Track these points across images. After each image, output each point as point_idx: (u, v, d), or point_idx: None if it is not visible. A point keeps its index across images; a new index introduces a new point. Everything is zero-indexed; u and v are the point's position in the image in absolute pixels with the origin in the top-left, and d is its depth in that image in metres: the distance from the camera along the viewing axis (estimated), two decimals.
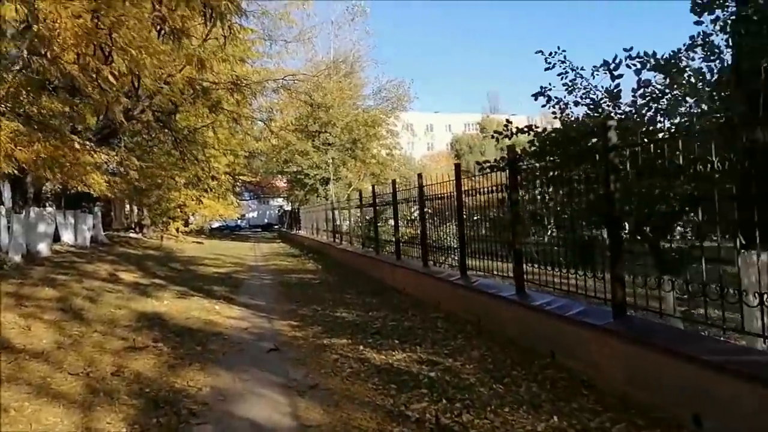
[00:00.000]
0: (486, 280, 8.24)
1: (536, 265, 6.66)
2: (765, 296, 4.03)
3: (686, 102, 7.05)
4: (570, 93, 8.21)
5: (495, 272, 7.92)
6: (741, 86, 5.30)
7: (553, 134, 6.99)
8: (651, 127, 6.63)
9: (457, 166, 8.57)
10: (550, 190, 6.43)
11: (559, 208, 6.90)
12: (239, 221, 59.12)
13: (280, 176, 44.62)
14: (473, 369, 5.88)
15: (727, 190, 6.17)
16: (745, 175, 5.23)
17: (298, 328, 8.42)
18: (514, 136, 7.49)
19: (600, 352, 5.07)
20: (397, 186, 12.77)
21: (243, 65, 18.83)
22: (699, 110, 6.49)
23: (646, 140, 5.40)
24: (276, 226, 54.85)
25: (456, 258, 9.34)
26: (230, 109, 18.57)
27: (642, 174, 5.04)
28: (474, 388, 5.29)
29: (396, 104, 39.19)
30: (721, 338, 4.69)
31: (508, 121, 7.76)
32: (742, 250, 5.58)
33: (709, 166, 4.73)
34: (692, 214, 7.21)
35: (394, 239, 13.07)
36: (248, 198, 59.04)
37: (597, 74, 7.99)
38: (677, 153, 5.31)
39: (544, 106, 8.33)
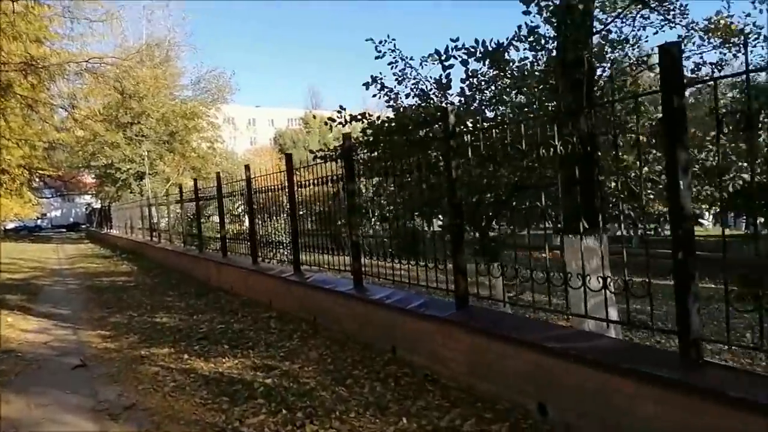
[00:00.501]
0: (321, 276, 7.87)
1: (375, 258, 6.42)
2: (588, 278, 4.09)
3: (510, 92, 7.25)
4: (400, 83, 8.12)
5: (331, 267, 7.57)
6: (566, 76, 5.49)
7: (388, 122, 6.80)
8: (478, 117, 6.72)
9: (288, 156, 8.09)
10: (389, 179, 6.21)
11: (398, 199, 6.72)
12: (39, 221, 53.17)
13: (87, 171, 40.67)
14: (313, 371, 5.47)
15: (550, 178, 6.41)
16: (568, 163, 5.40)
17: (110, 338, 7.41)
18: (348, 124, 7.19)
19: (443, 344, 4.93)
20: (222, 180, 11.93)
21: (40, 46, 16.72)
22: (524, 100, 6.68)
23: (486, 126, 5.36)
24: (84, 226, 50.19)
25: (289, 254, 8.87)
26: (24, 94, 16.32)
27: (482, 162, 4.98)
28: (315, 393, 4.88)
29: (217, 96, 37.58)
30: (562, 323, 4.77)
31: (341, 107, 7.44)
32: (568, 235, 5.80)
33: (534, 154, 4.75)
34: (517, 201, 7.49)
35: (219, 236, 12.23)
36: (50, 195, 53.08)
37: (426, 65, 7.99)
38: (506, 142, 5.32)
39: (375, 95, 8.17)
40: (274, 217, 9.78)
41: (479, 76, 6.98)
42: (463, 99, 7.18)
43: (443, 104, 7.10)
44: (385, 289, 6.39)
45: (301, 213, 8.31)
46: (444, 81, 6.99)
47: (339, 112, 7.26)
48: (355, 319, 6.39)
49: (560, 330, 4.46)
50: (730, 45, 7.54)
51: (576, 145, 5.26)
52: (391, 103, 7.77)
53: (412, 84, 7.91)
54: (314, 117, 70.06)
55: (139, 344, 6.94)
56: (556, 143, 4.37)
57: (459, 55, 6.98)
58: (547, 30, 6.36)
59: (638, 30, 7.70)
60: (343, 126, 7.34)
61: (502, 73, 6.93)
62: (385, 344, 5.80)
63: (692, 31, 7.54)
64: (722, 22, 7.51)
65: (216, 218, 12.56)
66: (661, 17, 7.44)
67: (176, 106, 33.19)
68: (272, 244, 9.92)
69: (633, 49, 7.74)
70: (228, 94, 37.84)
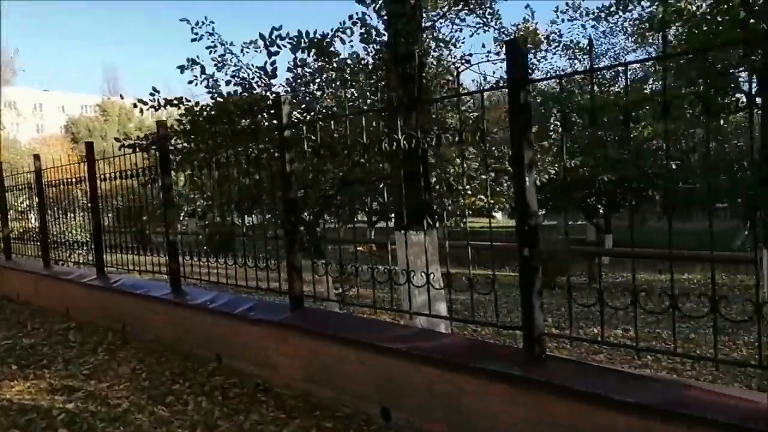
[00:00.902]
0: (131, 279, 7.05)
1: (197, 259, 5.84)
2: (413, 274, 4.05)
3: (337, 85, 7.07)
4: (220, 69, 7.56)
5: (143, 269, 6.80)
6: (397, 70, 5.42)
7: (209, 109, 6.23)
8: (307, 108, 6.44)
9: (90, 145, 7.10)
10: (210, 172, 5.68)
11: (218, 193, 6.20)
12: None
13: None
14: (125, 390, 4.80)
15: (378, 174, 6.34)
16: (398, 160, 5.34)
17: None
18: (162, 108, 6.48)
19: (277, 350, 4.58)
20: (2, 171, 10.27)
21: None
22: (352, 94, 6.52)
23: (320, 118, 5.08)
24: None
25: (90, 255, 7.84)
26: None
27: (310, 156, 4.70)
28: (130, 416, 4.26)
29: None
30: (405, 322, 4.67)
31: (155, 89, 6.68)
32: (399, 231, 5.77)
33: (361, 150, 4.61)
34: (342, 196, 7.35)
35: (1, 235, 10.53)
36: None
37: (248, 51, 7.53)
38: (335, 136, 5.13)
39: (191, 81, 7.50)
40: (71, 214, 8.63)
41: (306, 66, 6.70)
42: (289, 89, 6.85)
43: (268, 94, 6.70)
44: (208, 293, 5.86)
45: (112, 207, 7.38)
46: (270, 69, 6.59)
47: (152, 94, 6.52)
48: (173, 326, 5.78)
49: (402, 330, 4.35)
50: (535, 51, 8.12)
51: (401, 141, 5.23)
52: (212, 90, 7.18)
53: (233, 71, 7.39)
54: (112, 103, 64.54)
55: None
56: (383, 139, 4.28)
57: (285, 44, 6.63)
58: (378, 23, 6.29)
59: (456, 32, 7.98)
60: (156, 110, 6.61)
61: (328, 65, 6.71)
62: (209, 353, 5.30)
63: (503, 35, 7.99)
64: (530, 28, 8.05)
65: None
66: (478, 20, 7.78)
67: None
68: (68, 244, 8.75)
69: (455, 49, 8.02)
70: (10, 75, 33.29)
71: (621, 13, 8.29)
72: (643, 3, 7.33)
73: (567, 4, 8.27)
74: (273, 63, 6.59)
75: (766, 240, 7.65)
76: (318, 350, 4.26)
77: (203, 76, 7.43)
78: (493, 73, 15.89)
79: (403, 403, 3.64)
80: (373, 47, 6.36)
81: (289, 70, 6.78)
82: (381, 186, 7.04)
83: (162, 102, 6.53)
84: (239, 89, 7.37)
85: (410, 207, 5.25)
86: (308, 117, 5.89)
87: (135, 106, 6.78)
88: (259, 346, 4.77)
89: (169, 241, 5.94)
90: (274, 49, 6.52)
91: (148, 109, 6.65)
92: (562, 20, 8.52)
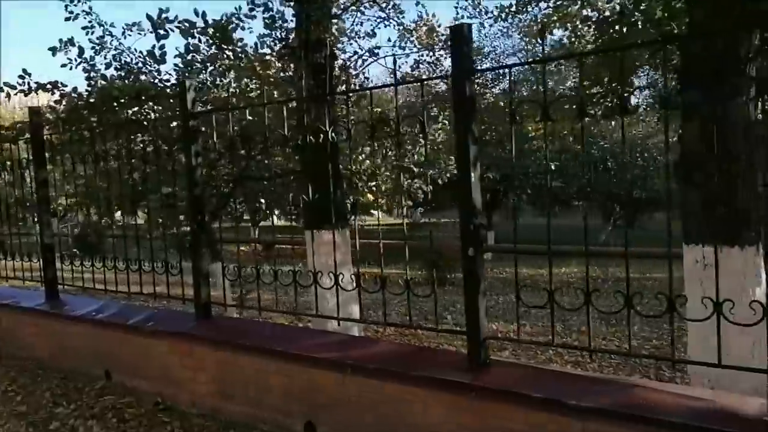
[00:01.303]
0: None
1: (79, 264, 5.17)
2: (319, 275, 3.83)
3: (233, 73, 6.61)
4: (98, 53, 6.82)
5: (12, 275, 5.97)
6: (307, 59, 5.11)
7: (88, 96, 5.57)
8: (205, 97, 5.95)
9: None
10: (91, 166, 5.04)
11: (99, 191, 5.56)
12: None
13: None
14: None
15: (283, 169, 6.00)
16: (306, 153, 5.07)
17: None
18: (34, 93, 5.71)
19: (182, 364, 4.14)
20: None
21: None
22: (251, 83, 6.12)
23: (230, 107, 4.64)
24: None
25: None
26: None
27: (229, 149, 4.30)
28: None
29: None
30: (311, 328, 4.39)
31: (25, 71, 5.85)
32: (308, 230, 5.47)
33: (265, 143, 4.32)
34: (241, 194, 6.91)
35: None
36: None
37: (131, 34, 6.87)
38: (234, 129, 4.77)
39: (66, 65, 6.70)
40: None
41: (197, 53, 6.17)
42: (178, 76, 6.28)
43: (156, 81, 6.11)
44: (92, 301, 5.22)
45: None
46: (158, 54, 6.00)
47: (22, 77, 5.70)
48: (49, 340, 5.10)
49: (325, 337, 4.07)
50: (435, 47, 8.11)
51: (312, 134, 4.97)
52: (91, 76, 6.43)
53: (113, 55, 6.68)
54: None
55: None
56: (291, 132, 4.01)
57: (175, 27, 6.07)
58: (285, 8, 5.89)
59: (357, 25, 7.79)
60: (26, 95, 5.80)
61: (225, 52, 6.24)
62: (96, 369, 4.72)
63: (404, 32, 7.91)
64: (427, 24, 8.02)
65: None
66: (381, 13, 7.62)
67: None
68: None
69: (363, 40, 7.81)
70: None
71: (519, 15, 8.52)
72: (541, 4, 7.55)
73: (468, 2, 8.40)
74: (162, 47, 6.01)
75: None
76: (230, 363, 3.88)
77: (78, 60, 6.66)
78: (400, 67, 15.82)
79: (332, 417, 3.38)
80: (279, 34, 5.98)
81: (179, 56, 6.23)
82: (280, 183, 6.71)
83: (33, 86, 5.73)
84: (122, 74, 6.69)
85: (319, 204, 4.97)
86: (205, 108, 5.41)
87: (0, 90, 5.90)
88: (159, 360, 4.29)
89: (44, 243, 5.24)
90: (162, 32, 5.94)
91: (16, 94, 5.81)
92: (463, 17, 8.63)
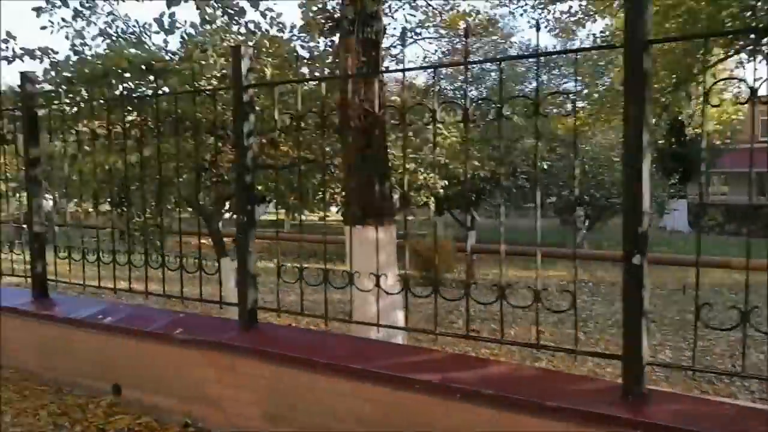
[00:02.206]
0: None
1: (84, 257, 4.40)
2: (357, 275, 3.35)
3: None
4: (78, 16, 6.00)
5: None
6: (358, 33, 4.47)
7: (87, 63, 4.80)
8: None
9: None
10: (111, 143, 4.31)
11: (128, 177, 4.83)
12: None
13: None
14: None
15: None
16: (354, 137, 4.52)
17: None
18: (19, 60, 4.89)
19: (219, 379, 3.50)
20: None
21: None
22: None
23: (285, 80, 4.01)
24: None
25: None
26: None
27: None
28: None
29: None
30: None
31: (9, 34, 5.00)
32: (351, 226, 4.90)
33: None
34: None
35: None
36: None
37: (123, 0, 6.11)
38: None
39: (45, 27, 5.87)
40: None
41: (212, 23, 5.47)
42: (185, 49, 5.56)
43: (163, 52, 5.39)
44: (92, 302, 4.49)
45: None
46: (167, 23, 5.25)
47: (6, 41, 4.86)
48: (42, 349, 4.32)
49: (407, 353, 3.49)
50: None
51: (358, 116, 4.44)
52: (76, 43, 5.63)
53: (105, 21, 5.89)
54: None
55: None
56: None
57: None
58: None
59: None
60: (10, 62, 4.97)
61: (236, 25, 5.56)
62: (100, 383, 4.00)
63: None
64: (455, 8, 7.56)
65: None
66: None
67: None
68: None
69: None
70: None
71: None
72: None
73: None
74: (171, 15, 5.27)
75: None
76: (285, 381, 3.27)
77: (63, 24, 5.85)
78: (435, 51, 15.19)
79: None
80: (321, 4, 5.32)
81: (192, 26, 5.50)
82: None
83: (19, 52, 4.91)
84: (113, 43, 5.91)
85: (365, 197, 4.42)
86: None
87: None
88: (189, 374, 3.63)
89: (33, 233, 4.45)
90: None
91: None
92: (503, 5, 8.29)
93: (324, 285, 3.43)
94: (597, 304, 10.37)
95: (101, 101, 4.80)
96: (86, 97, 5.16)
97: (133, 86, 5.13)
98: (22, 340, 4.41)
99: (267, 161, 5.71)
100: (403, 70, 3.28)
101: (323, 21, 5.01)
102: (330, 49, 5.04)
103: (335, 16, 4.66)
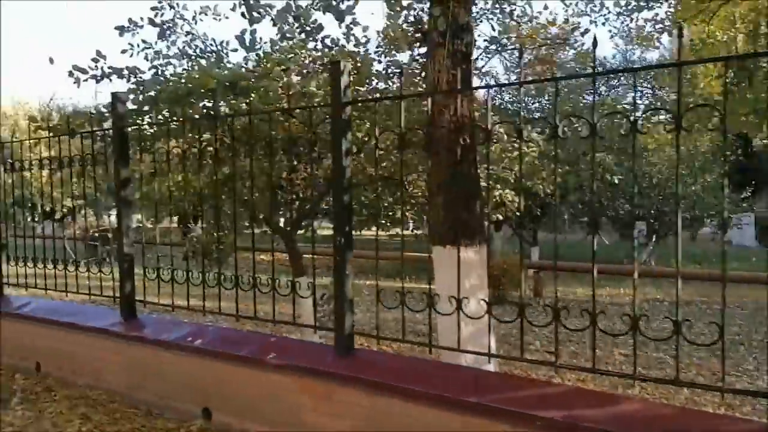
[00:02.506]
0: (45, 303, 5.36)
1: (172, 278, 4.34)
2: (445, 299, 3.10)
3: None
4: (164, 37, 6.06)
5: (64, 289, 5.14)
6: (447, 45, 4.32)
7: (171, 83, 4.80)
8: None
9: None
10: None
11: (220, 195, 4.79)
12: None
13: None
14: None
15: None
16: (444, 153, 4.34)
17: None
18: (107, 79, 4.93)
19: (315, 408, 3.36)
20: None
21: None
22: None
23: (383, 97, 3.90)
24: None
25: None
26: None
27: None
28: None
29: None
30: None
31: (99, 54, 5.06)
32: (438, 246, 4.72)
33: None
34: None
35: None
36: None
37: (201, 20, 6.15)
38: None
39: (126, 51, 5.95)
40: None
41: (288, 39, 5.41)
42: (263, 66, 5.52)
43: (243, 69, 5.36)
44: (181, 324, 4.45)
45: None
46: (248, 40, 5.23)
47: (96, 60, 4.92)
48: (128, 369, 4.28)
49: (518, 385, 3.27)
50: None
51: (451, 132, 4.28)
52: (157, 64, 5.69)
53: (185, 41, 5.93)
54: None
55: None
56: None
57: (267, 10, 5.31)
58: None
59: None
60: (98, 81, 5.03)
61: (312, 41, 5.50)
62: (189, 406, 3.93)
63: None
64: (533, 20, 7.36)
65: None
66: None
67: None
68: None
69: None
70: None
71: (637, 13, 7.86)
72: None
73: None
74: (253, 33, 5.24)
75: None
76: (388, 412, 3.11)
77: (142, 45, 5.92)
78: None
79: None
80: (410, 16, 5.21)
81: (270, 43, 5.47)
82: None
83: (107, 71, 4.96)
84: (190, 63, 5.94)
85: (457, 216, 4.24)
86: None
87: (70, 74, 5.10)
88: (283, 401, 3.51)
89: (122, 253, 4.44)
90: (256, 14, 5.19)
91: (86, 80, 5.05)
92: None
93: (428, 310, 3.25)
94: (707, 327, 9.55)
95: (195, 118, 4.83)
96: (168, 117, 5.19)
97: (212, 105, 5.11)
98: (110, 361, 4.39)
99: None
100: (490, 86, 3.10)
101: (411, 34, 4.89)
102: (415, 63, 4.91)
103: (423, 28, 4.54)
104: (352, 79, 3.88)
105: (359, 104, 3.62)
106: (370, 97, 4.83)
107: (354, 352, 3.49)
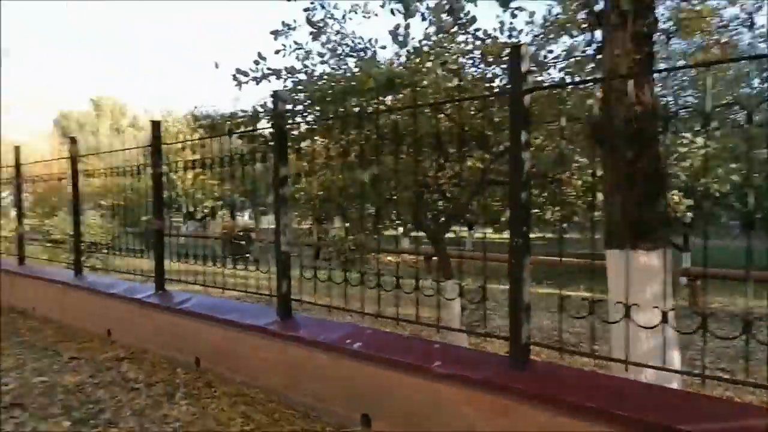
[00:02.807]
0: (198, 298, 5.51)
1: (329, 278, 4.27)
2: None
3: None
4: (316, 38, 6.05)
5: (210, 283, 5.26)
6: (626, 27, 3.93)
7: (326, 82, 4.74)
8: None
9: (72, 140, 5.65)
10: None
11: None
12: None
13: None
14: None
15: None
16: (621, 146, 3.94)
17: None
18: (265, 81, 4.98)
19: (488, 423, 3.07)
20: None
21: None
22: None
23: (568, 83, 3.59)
24: None
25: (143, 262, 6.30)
26: None
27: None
28: None
29: None
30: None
31: (261, 56, 5.14)
32: (615, 249, 4.32)
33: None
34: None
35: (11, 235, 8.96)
36: None
37: (350, 18, 6.11)
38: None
39: (279, 51, 6.02)
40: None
41: (441, 32, 5.22)
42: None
43: (398, 67, 5.25)
44: (336, 325, 4.37)
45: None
46: (401, 35, 5.08)
47: (257, 62, 5.01)
48: (286, 370, 4.24)
49: (746, 415, 2.82)
50: None
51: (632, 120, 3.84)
52: (307, 65, 5.70)
53: (335, 40, 5.90)
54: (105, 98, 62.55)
55: None
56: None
57: (419, 5, 5.15)
58: None
59: None
60: (257, 83, 5.11)
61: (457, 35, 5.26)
62: (348, 411, 3.80)
63: None
64: None
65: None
66: None
67: None
68: (105, 248, 7.23)
69: None
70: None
71: None
72: None
73: None
74: (407, 27, 5.09)
75: None
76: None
77: (294, 46, 5.96)
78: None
79: None
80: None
81: (425, 38, 5.31)
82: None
83: (266, 71, 5.04)
84: (340, 62, 5.91)
85: (639, 215, 3.80)
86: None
87: (234, 78, 5.26)
88: (451, 413, 3.26)
89: (280, 252, 4.42)
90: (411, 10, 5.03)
91: (247, 82, 5.16)
92: None
93: (625, 322, 2.87)
94: None
95: (359, 114, 4.77)
96: (320, 116, 5.15)
97: (365, 103, 5.02)
98: (268, 359, 4.37)
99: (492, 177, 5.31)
100: (673, 69, 2.67)
101: (584, 17, 4.50)
102: (590, 47, 4.52)
103: (595, 9, 4.15)
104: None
105: (544, 91, 3.30)
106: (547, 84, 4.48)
107: (530, 364, 3.17)
